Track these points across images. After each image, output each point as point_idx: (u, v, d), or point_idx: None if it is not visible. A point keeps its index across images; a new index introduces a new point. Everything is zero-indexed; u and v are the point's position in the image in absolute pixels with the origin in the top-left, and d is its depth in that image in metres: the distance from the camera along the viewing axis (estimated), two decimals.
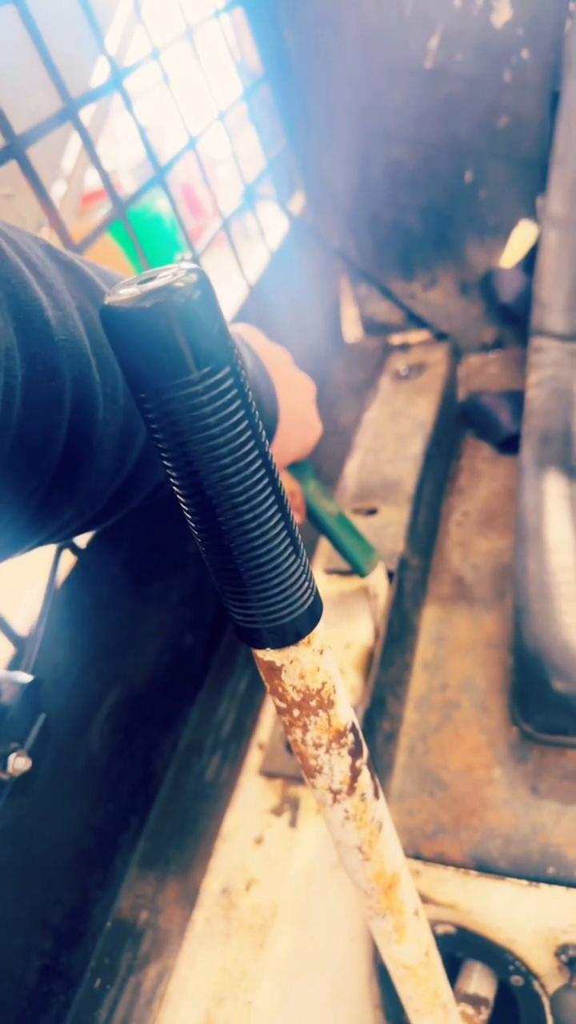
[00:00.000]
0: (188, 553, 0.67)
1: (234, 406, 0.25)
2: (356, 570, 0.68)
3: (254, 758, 0.61)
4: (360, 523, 0.79)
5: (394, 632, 0.71)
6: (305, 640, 0.31)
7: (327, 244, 1.00)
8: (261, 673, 0.33)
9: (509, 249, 0.94)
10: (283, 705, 0.33)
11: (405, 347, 1.05)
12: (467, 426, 0.99)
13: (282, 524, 0.28)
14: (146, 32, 0.68)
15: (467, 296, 1.03)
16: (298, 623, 0.31)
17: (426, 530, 0.83)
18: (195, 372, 0.24)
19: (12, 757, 0.43)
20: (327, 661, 0.33)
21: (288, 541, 0.29)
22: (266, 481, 0.27)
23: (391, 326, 1.09)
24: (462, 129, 0.91)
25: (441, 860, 0.60)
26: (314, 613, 0.31)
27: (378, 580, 0.69)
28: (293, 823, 0.57)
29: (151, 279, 0.24)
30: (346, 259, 1.03)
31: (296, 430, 0.58)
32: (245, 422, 0.26)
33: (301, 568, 0.30)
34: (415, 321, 1.06)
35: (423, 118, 0.92)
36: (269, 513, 0.28)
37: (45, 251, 0.32)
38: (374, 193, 0.99)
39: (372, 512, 0.80)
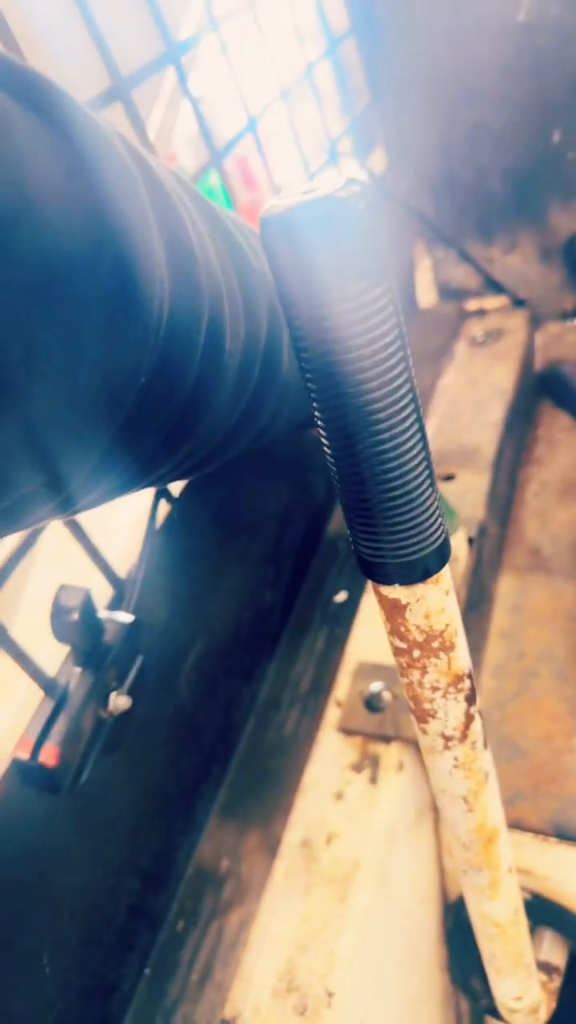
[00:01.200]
0: (269, 513, 0.67)
1: (388, 326, 0.25)
2: None
3: (332, 715, 0.61)
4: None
5: (472, 599, 0.70)
6: (434, 579, 0.31)
7: (405, 205, 0.98)
8: (382, 611, 0.33)
9: None
10: (403, 645, 0.33)
11: (481, 313, 1.02)
12: (545, 395, 0.96)
13: (422, 456, 0.27)
14: None
15: (548, 262, 1.00)
16: (428, 560, 0.30)
17: (504, 499, 0.82)
18: (353, 285, 0.23)
19: (113, 696, 0.43)
20: (452, 603, 0.32)
21: (426, 474, 0.28)
22: (411, 409, 0.26)
23: (467, 291, 1.06)
24: (553, 86, 0.88)
25: (519, 826, 0.60)
26: (444, 552, 0.30)
27: (459, 544, 0.68)
28: (374, 780, 0.57)
29: (313, 190, 0.23)
30: (424, 221, 1.00)
31: None
32: (397, 343, 0.25)
33: (435, 504, 0.29)
34: (493, 286, 1.03)
35: (511, 75, 0.89)
36: (411, 443, 0.27)
37: (180, 185, 0.32)
38: (455, 154, 0.96)
39: (449, 478, 0.79)
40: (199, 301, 0.30)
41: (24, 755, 0.40)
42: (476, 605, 0.71)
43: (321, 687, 0.63)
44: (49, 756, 0.39)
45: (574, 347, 0.99)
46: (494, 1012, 0.67)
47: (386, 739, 0.59)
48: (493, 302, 1.04)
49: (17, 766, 0.40)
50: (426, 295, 1.08)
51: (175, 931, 0.52)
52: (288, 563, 0.70)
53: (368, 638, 0.66)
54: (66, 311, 0.23)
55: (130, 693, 0.44)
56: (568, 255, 0.97)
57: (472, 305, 1.04)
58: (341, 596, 0.71)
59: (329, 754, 0.59)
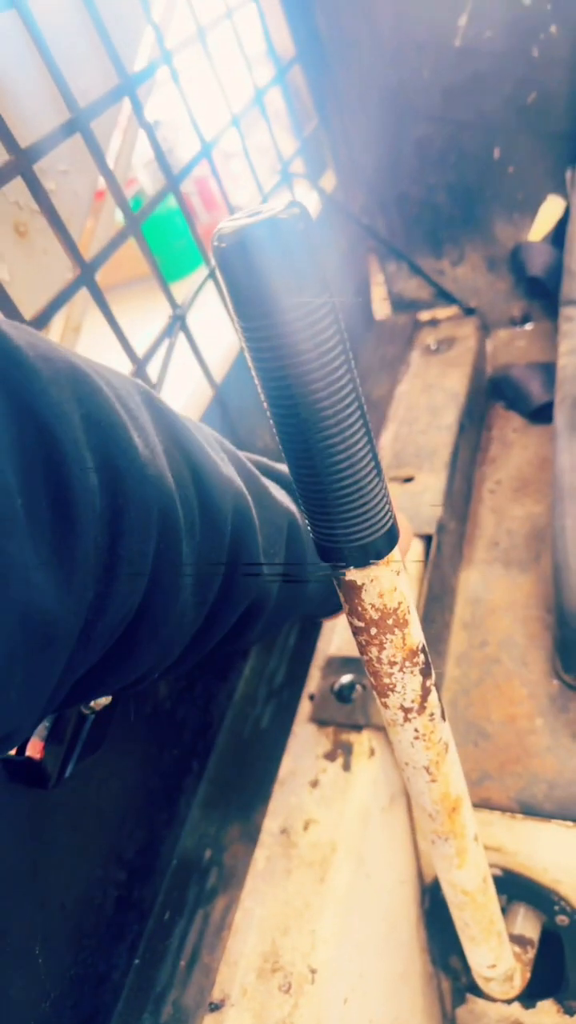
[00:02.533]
0: None
1: (329, 332, 0.28)
2: None
3: (305, 708, 0.64)
4: (397, 490, 0.81)
5: (434, 592, 0.74)
6: (384, 560, 0.34)
7: (357, 222, 1.03)
8: (341, 595, 0.36)
9: (538, 223, 0.96)
10: (361, 624, 0.36)
11: (434, 322, 1.07)
12: (497, 398, 1.01)
13: (368, 448, 0.31)
14: (187, 16, 0.70)
15: (495, 272, 1.05)
16: (378, 544, 0.33)
17: (461, 497, 0.85)
18: (297, 295, 0.26)
19: None
20: (403, 582, 0.35)
21: (372, 466, 0.31)
22: (355, 405, 0.29)
23: (420, 303, 1.11)
24: (491, 106, 0.93)
25: (487, 805, 0.63)
26: (392, 535, 0.34)
27: (416, 544, 0.72)
28: (347, 767, 0.59)
29: (259, 212, 0.26)
30: (376, 236, 1.05)
31: None
32: (339, 348, 0.28)
33: (382, 492, 0.32)
34: (444, 297, 1.08)
35: (452, 95, 0.94)
36: (357, 436, 0.30)
37: (142, 396, 0.34)
38: (403, 171, 1.01)
39: (409, 480, 0.83)
40: (148, 512, 0.31)
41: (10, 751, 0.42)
42: (439, 598, 0.75)
43: (294, 682, 0.66)
44: (35, 750, 0.41)
45: (522, 352, 1.04)
46: (474, 989, 0.70)
47: (357, 727, 0.62)
48: (445, 312, 1.08)
49: (3, 762, 0.42)
50: (381, 308, 1.12)
51: (162, 920, 0.54)
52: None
53: (336, 634, 0.69)
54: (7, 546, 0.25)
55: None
56: (513, 265, 1.02)
57: (425, 316, 1.09)
58: None
59: (304, 745, 0.61)
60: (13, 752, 0.42)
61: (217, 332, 0.77)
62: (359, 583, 0.34)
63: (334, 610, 0.51)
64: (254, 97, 0.82)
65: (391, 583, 0.35)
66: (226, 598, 0.38)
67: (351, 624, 0.37)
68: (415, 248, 1.07)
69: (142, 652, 0.33)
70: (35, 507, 0.25)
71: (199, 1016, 0.50)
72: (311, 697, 0.65)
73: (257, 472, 0.43)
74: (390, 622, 0.35)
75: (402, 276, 1.09)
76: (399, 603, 0.35)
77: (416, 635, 0.37)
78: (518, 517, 0.86)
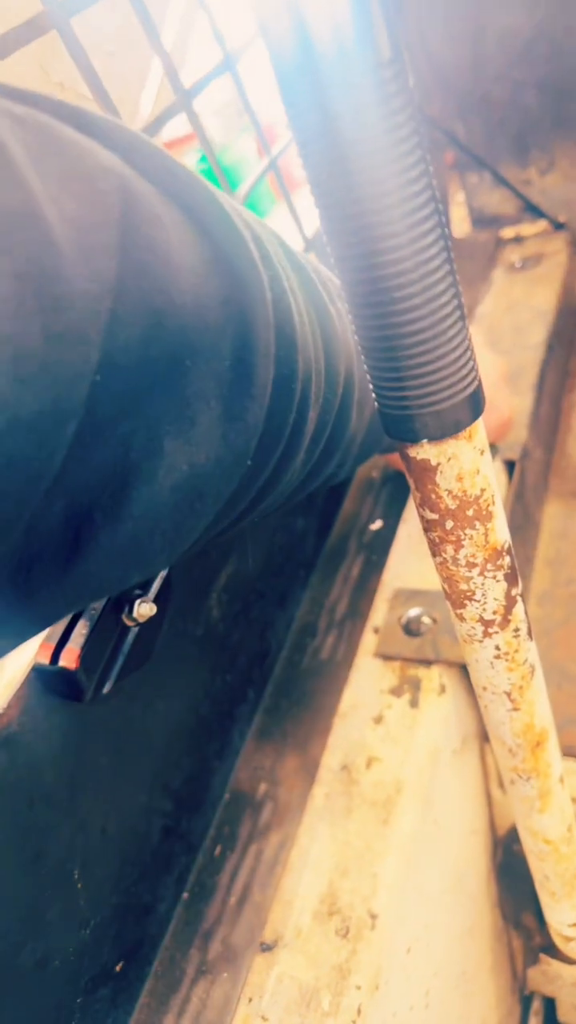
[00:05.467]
0: None
1: (403, 115, 0.22)
2: None
3: (369, 640, 0.59)
4: None
5: (516, 524, 0.67)
6: (465, 433, 0.28)
7: (436, 126, 0.94)
8: (411, 482, 0.30)
9: None
10: (434, 516, 0.30)
11: (519, 239, 0.97)
12: None
13: (449, 281, 0.25)
14: None
15: None
16: (459, 410, 0.27)
17: (548, 423, 0.78)
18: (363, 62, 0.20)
19: (138, 603, 0.41)
20: (487, 465, 0.29)
21: (455, 304, 0.25)
22: (434, 221, 0.23)
23: (503, 218, 1.01)
24: None
25: (571, 753, 0.57)
26: (476, 402, 0.28)
27: (498, 467, 0.65)
28: (414, 703, 0.54)
29: None
30: (456, 143, 0.96)
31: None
32: (414, 138, 0.22)
33: (465, 342, 0.26)
34: (531, 210, 0.98)
35: None
36: (435, 261, 0.24)
37: (287, 258, 0.34)
38: (486, 68, 0.91)
39: None
40: (294, 387, 0.31)
41: (44, 660, 0.38)
42: (520, 531, 0.68)
43: (357, 613, 0.61)
44: (70, 659, 0.38)
45: None
46: (548, 950, 0.65)
47: (427, 662, 0.56)
48: (531, 228, 0.98)
49: (38, 672, 0.39)
50: (460, 225, 1.03)
51: (212, 855, 0.51)
52: (320, 489, 0.67)
53: (405, 565, 0.64)
54: (188, 401, 0.25)
55: (156, 603, 0.42)
56: None
57: (508, 232, 0.99)
58: (377, 524, 0.68)
59: (367, 678, 0.56)
60: (47, 661, 0.39)
61: None
62: (434, 463, 0.28)
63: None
64: None
65: (473, 464, 0.29)
66: (328, 454, 0.38)
67: (422, 518, 0.31)
68: (499, 157, 0.97)
69: (252, 512, 0.34)
70: (219, 364, 0.25)
71: (250, 955, 0.47)
72: (375, 630, 0.60)
73: None
74: (470, 513, 0.30)
75: (484, 189, 1.00)
76: (482, 490, 0.29)
77: (501, 532, 0.31)
78: None
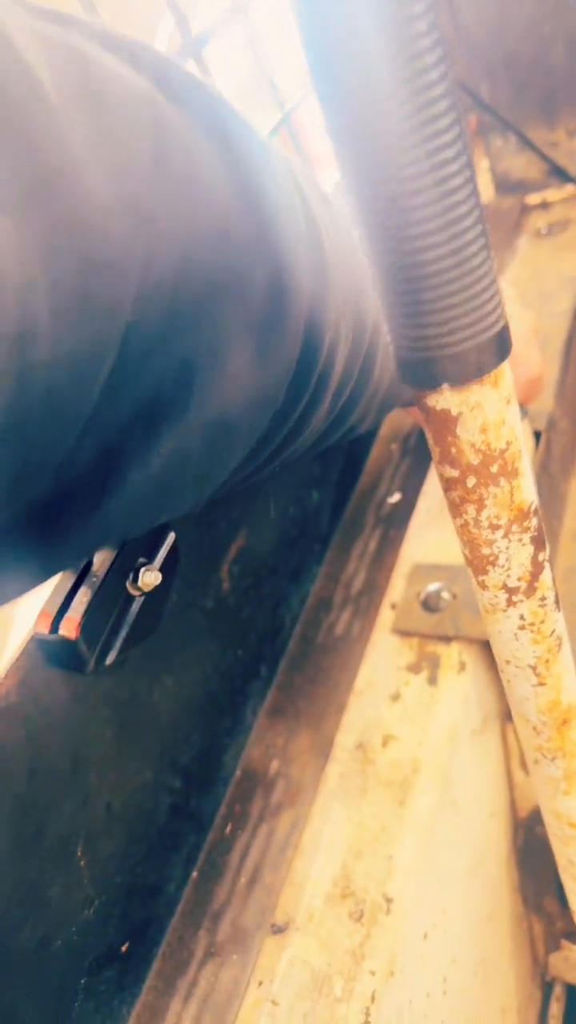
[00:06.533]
0: None
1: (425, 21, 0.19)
2: None
3: (386, 617, 0.57)
4: None
5: (542, 497, 0.64)
6: (491, 377, 0.25)
7: (461, 86, 0.90)
8: (430, 434, 0.28)
9: None
10: (455, 474, 0.28)
11: (545, 205, 0.94)
12: None
13: (471, 203, 0.22)
14: None
15: None
16: (482, 352, 0.24)
17: None
18: None
19: (143, 571, 0.39)
20: (514, 415, 0.27)
21: (478, 230, 0.23)
22: (454, 133, 0.21)
23: (528, 183, 0.97)
24: None
25: None
26: (503, 343, 0.25)
27: (525, 435, 0.62)
28: (433, 681, 0.52)
29: None
30: (480, 103, 0.92)
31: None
32: (437, 46, 0.19)
33: (490, 274, 0.24)
34: (557, 174, 0.94)
35: None
36: (456, 181, 0.21)
37: (323, 205, 0.33)
38: (513, 23, 0.87)
39: None
40: (325, 330, 0.30)
41: (43, 629, 0.37)
42: (547, 504, 0.65)
43: (374, 588, 0.59)
44: (69, 628, 0.36)
45: None
46: (571, 935, 0.63)
47: (446, 639, 0.54)
48: (558, 193, 0.95)
49: (37, 642, 0.37)
50: (484, 193, 1.00)
51: (223, 834, 0.49)
52: (337, 461, 0.65)
53: (425, 539, 0.61)
54: (221, 338, 0.24)
55: (162, 569, 0.40)
56: None
57: (534, 199, 0.96)
58: (395, 497, 0.66)
59: (384, 655, 0.54)
60: (46, 630, 0.37)
61: None
62: (455, 412, 0.26)
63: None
64: None
65: (499, 414, 0.26)
66: (352, 401, 0.38)
67: (441, 477, 0.29)
68: (525, 118, 0.93)
69: (279, 457, 0.34)
70: (252, 302, 0.25)
71: (260, 938, 0.45)
72: (393, 606, 0.58)
73: None
74: (494, 469, 0.27)
75: (508, 152, 0.96)
76: (508, 443, 0.27)
77: (528, 490, 0.29)
78: None
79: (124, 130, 0.21)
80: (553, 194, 0.95)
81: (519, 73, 0.90)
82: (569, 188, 0.94)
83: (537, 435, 0.65)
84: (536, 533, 0.30)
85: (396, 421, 0.72)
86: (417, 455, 0.69)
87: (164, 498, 0.26)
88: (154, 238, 0.21)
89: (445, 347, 0.24)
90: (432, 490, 0.65)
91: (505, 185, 0.99)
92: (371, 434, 0.72)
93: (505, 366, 0.26)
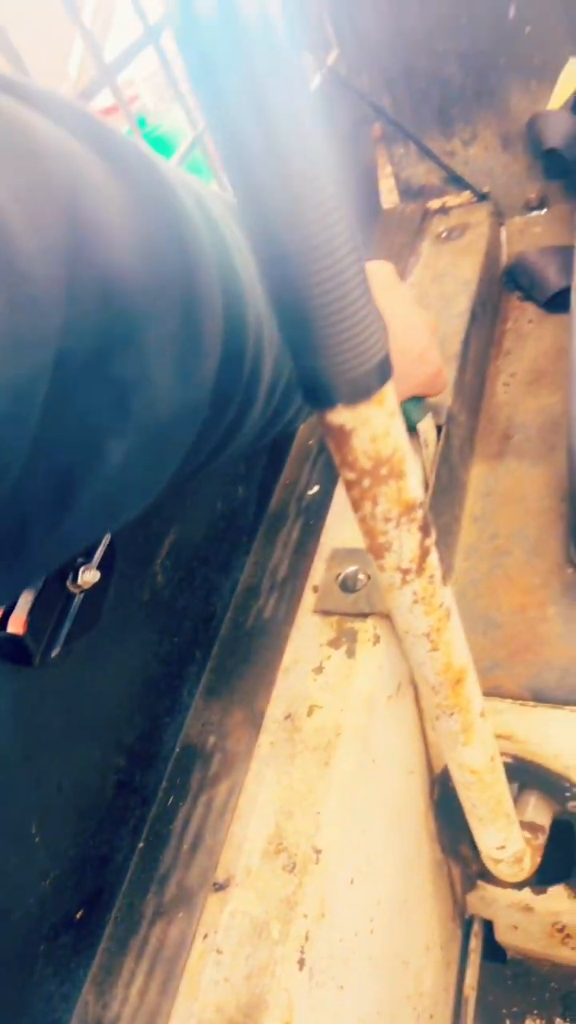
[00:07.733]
0: None
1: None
2: (409, 426, 0.67)
3: (309, 599, 0.62)
4: None
5: (443, 484, 0.71)
6: (377, 397, 0.31)
7: (362, 96, 0.95)
8: (330, 446, 0.33)
9: (558, 89, 0.88)
10: (353, 476, 0.33)
11: (444, 210, 1.00)
12: (512, 288, 0.95)
13: (352, 258, 0.27)
14: None
15: (510, 151, 0.98)
16: (369, 377, 0.30)
17: (473, 389, 0.81)
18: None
19: (82, 570, 0.43)
20: (397, 427, 0.32)
21: (359, 279, 0.28)
22: (334, 200, 0.26)
23: (429, 189, 1.04)
24: None
25: (497, 692, 0.61)
26: (384, 368, 0.30)
27: (427, 429, 0.68)
28: (351, 653, 0.58)
29: None
30: (382, 113, 0.98)
31: (409, 369, 0.59)
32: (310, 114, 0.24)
33: (370, 314, 0.29)
34: (455, 181, 1.01)
35: None
36: (340, 244, 0.26)
37: (230, 215, 0.35)
38: (409, 39, 0.93)
39: None
40: (246, 340, 0.32)
41: None
42: (447, 490, 0.72)
43: (298, 574, 0.64)
44: (17, 625, 0.40)
45: (538, 239, 0.97)
46: (484, 876, 0.70)
47: (362, 615, 0.60)
48: (456, 199, 1.01)
49: None
50: (389, 196, 1.06)
51: (166, 805, 0.54)
52: (260, 459, 0.70)
53: (341, 526, 0.67)
54: (147, 361, 0.26)
55: (100, 567, 0.44)
56: (529, 138, 0.95)
57: (435, 204, 1.02)
58: (314, 489, 0.71)
59: (308, 634, 0.60)
60: None
61: None
62: (348, 427, 0.31)
63: None
64: None
65: (384, 426, 0.31)
66: (287, 399, 0.40)
67: (344, 479, 0.34)
68: (424, 128, 0.99)
69: (221, 454, 0.37)
70: (171, 324, 0.27)
71: (203, 896, 0.50)
72: (315, 589, 0.63)
73: None
74: (384, 472, 0.33)
75: (410, 161, 1.02)
76: (394, 450, 0.32)
77: (413, 488, 0.34)
78: (532, 410, 0.82)
79: (38, 174, 0.23)
80: (452, 199, 1.02)
81: (418, 85, 0.97)
82: (466, 194, 1.01)
83: (439, 428, 0.72)
84: (423, 522, 0.35)
85: (313, 420, 0.77)
86: None
87: (113, 511, 0.29)
88: (75, 273, 0.23)
89: (338, 375, 0.29)
90: None
91: (408, 191, 1.05)
92: (291, 433, 0.77)
93: (389, 386, 0.31)
